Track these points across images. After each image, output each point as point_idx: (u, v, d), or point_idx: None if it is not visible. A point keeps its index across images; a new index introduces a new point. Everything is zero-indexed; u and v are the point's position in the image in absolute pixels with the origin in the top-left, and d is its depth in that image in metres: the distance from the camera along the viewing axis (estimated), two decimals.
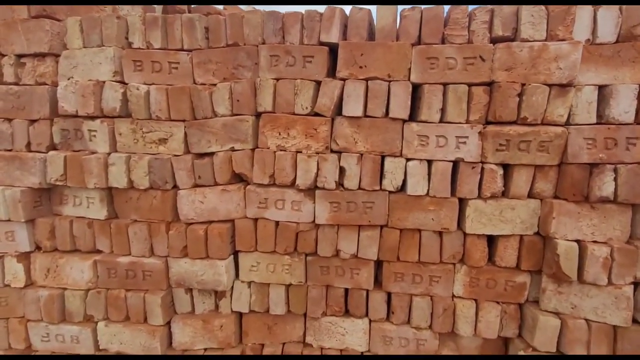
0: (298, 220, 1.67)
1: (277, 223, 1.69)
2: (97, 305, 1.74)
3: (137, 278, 1.72)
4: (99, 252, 1.79)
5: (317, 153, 1.61)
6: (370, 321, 1.76)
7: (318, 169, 1.60)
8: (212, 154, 1.71)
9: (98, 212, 1.73)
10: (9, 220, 1.70)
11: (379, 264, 1.73)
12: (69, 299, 1.74)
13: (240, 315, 1.83)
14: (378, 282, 1.75)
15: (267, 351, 1.78)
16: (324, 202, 1.62)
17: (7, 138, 1.74)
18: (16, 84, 1.76)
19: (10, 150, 1.74)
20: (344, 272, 1.72)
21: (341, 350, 1.78)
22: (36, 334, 1.76)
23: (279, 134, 1.63)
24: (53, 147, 1.75)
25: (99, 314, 1.75)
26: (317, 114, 1.63)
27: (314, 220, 1.67)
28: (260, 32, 1.66)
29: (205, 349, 1.79)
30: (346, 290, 1.77)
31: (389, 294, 1.75)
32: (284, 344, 1.83)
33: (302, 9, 1.62)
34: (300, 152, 1.63)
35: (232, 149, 1.68)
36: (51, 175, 1.69)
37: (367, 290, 1.74)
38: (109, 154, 1.69)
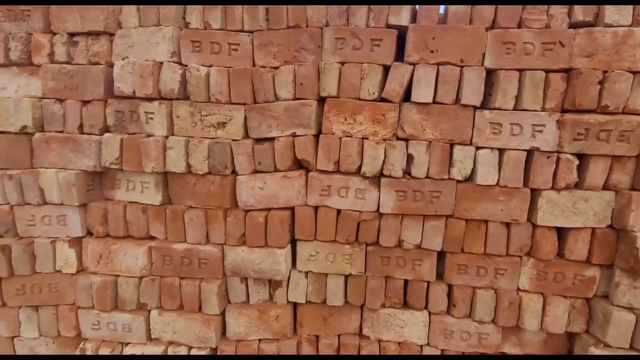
0: (361, 209, 1.66)
1: (338, 211, 1.69)
2: (151, 293, 1.74)
3: (193, 266, 1.72)
4: (152, 238, 1.78)
5: (384, 140, 1.60)
6: (430, 314, 1.75)
7: (385, 156, 1.59)
8: (272, 139, 1.69)
9: (153, 197, 1.72)
10: (61, 204, 1.69)
11: (441, 255, 1.72)
12: (121, 286, 1.73)
13: (294, 305, 1.81)
14: (439, 274, 1.74)
15: (322, 343, 1.78)
16: (390, 191, 1.61)
17: (58, 119, 1.72)
18: (68, 63, 1.73)
19: (61, 132, 1.72)
20: (405, 263, 1.72)
21: (399, 343, 1.77)
22: (87, 322, 1.75)
23: (345, 120, 1.61)
24: (106, 129, 1.73)
25: (152, 302, 1.74)
26: (383, 100, 1.61)
27: (377, 209, 1.66)
28: (324, 13, 1.64)
29: (260, 340, 1.78)
30: (406, 281, 1.76)
31: (450, 287, 1.74)
32: (339, 335, 1.82)
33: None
34: (367, 138, 1.61)
35: (294, 135, 1.67)
36: (106, 158, 1.67)
37: (428, 282, 1.73)
38: (166, 137, 1.67)
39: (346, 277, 1.77)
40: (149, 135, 1.70)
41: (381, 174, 1.64)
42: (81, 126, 1.73)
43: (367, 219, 1.67)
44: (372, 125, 1.61)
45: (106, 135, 1.68)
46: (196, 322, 1.74)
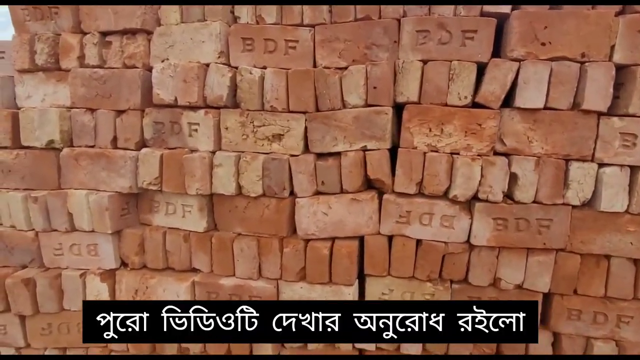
0: (448, 240, 1.36)
1: (418, 242, 1.39)
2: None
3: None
4: (195, 271, 1.52)
5: (480, 155, 1.29)
6: None
7: (482, 175, 1.28)
8: (337, 154, 1.41)
9: (196, 223, 1.46)
10: (92, 232, 1.45)
11: (546, 297, 1.39)
12: None
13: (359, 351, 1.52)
14: (542, 319, 1.41)
15: None
16: (486, 219, 1.30)
17: (89, 132, 1.49)
18: (100, 67, 1.50)
19: (92, 147, 1.48)
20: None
21: None
22: None
23: (430, 131, 1.32)
24: (143, 143, 1.49)
25: (195, 345, 1.48)
26: (476, 105, 1.30)
27: (467, 240, 1.35)
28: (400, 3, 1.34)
29: None
30: None
31: (556, 336, 1.41)
32: None
33: None
34: (457, 153, 1.31)
35: (364, 149, 1.38)
36: (144, 177, 1.43)
37: None
38: (212, 152, 1.41)
39: None
40: (193, 151, 1.44)
41: (475, 198, 1.33)
42: (115, 140, 1.50)
43: (455, 252, 1.37)
44: (464, 138, 1.31)
45: (144, 150, 1.44)
46: None
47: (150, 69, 1.49)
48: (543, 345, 1.42)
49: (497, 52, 1.34)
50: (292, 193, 1.44)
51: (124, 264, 1.55)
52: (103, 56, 1.52)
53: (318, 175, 1.41)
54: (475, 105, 1.33)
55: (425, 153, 1.33)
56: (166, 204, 1.52)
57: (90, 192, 1.46)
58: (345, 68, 1.40)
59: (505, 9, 1.29)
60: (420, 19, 1.33)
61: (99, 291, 1.49)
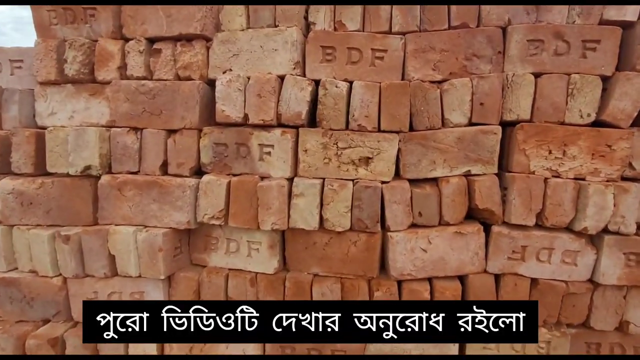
0: (568, 279, 1.17)
1: (533, 281, 1.18)
2: None
3: None
4: None
5: (610, 181, 1.12)
6: None
7: (614, 204, 1.10)
8: (433, 180, 1.21)
9: (265, 264, 1.23)
10: (138, 277, 1.18)
11: None
12: None
13: None
14: None
15: None
16: (617, 254, 1.13)
17: (132, 155, 1.24)
18: (147, 78, 1.26)
19: (135, 173, 1.23)
20: (624, 352, 1.21)
21: None
22: None
23: (550, 153, 1.14)
24: (199, 169, 1.24)
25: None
26: (598, 124, 1.14)
27: (590, 279, 1.16)
28: (506, 7, 1.18)
29: None
30: None
31: None
32: None
33: None
34: (582, 179, 1.13)
35: (468, 174, 1.18)
36: (205, 210, 1.19)
37: None
38: (288, 179, 1.18)
39: None
40: (263, 178, 1.21)
41: (603, 230, 1.15)
42: (164, 165, 1.25)
43: (577, 293, 1.18)
44: (591, 161, 1.14)
45: (206, 178, 1.20)
46: None
47: (208, 82, 1.27)
48: None
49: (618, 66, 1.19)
50: (382, 226, 1.22)
51: None
52: (150, 66, 1.28)
53: (414, 206, 1.20)
54: (596, 124, 1.16)
55: (546, 179, 1.15)
56: (227, 240, 1.27)
57: (137, 228, 1.20)
58: (441, 82, 1.22)
59: (631, 16, 1.14)
60: (533, 27, 1.17)
61: (145, 351, 1.21)
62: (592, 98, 1.14)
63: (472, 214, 1.26)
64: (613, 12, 1.16)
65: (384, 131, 1.21)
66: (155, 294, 1.22)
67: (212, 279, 1.24)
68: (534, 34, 1.17)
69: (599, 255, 1.16)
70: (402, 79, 1.25)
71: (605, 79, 1.16)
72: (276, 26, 1.25)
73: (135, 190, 1.21)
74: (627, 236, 1.15)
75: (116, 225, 1.22)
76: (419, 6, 1.22)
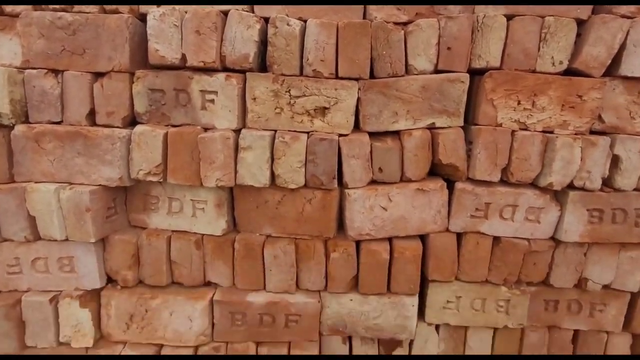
0: (531, 237, 1.12)
1: (495, 240, 1.14)
2: None
3: (277, 325, 1.15)
4: (210, 285, 1.17)
5: (577, 134, 1.06)
6: None
7: (581, 159, 1.05)
8: (393, 133, 1.11)
9: (212, 224, 1.12)
10: (65, 240, 1.04)
11: (632, 297, 1.22)
12: None
13: None
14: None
15: None
16: (581, 210, 1.09)
17: (52, 102, 1.07)
18: (65, 10, 1.07)
19: (59, 123, 1.06)
20: (580, 309, 1.21)
21: None
22: None
23: (518, 104, 1.06)
24: (133, 118, 1.09)
25: None
26: (569, 73, 1.07)
27: (552, 237, 1.13)
28: None
29: None
30: (575, 333, 1.25)
31: (636, 338, 1.25)
32: None
33: None
34: (551, 132, 1.07)
35: (432, 127, 1.09)
36: (140, 165, 1.05)
37: (607, 334, 1.23)
38: (235, 131, 1.05)
39: (495, 330, 1.24)
40: (207, 129, 1.07)
41: (568, 186, 1.10)
42: (92, 114, 1.09)
43: (539, 250, 1.14)
44: (560, 112, 1.07)
45: (140, 128, 1.05)
46: None
47: (140, 16, 1.09)
48: (621, 347, 1.25)
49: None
50: (340, 183, 1.13)
51: (111, 281, 1.16)
52: None
53: (374, 161, 1.11)
54: (567, 73, 1.08)
55: (514, 132, 1.07)
56: (168, 199, 1.14)
57: (61, 186, 1.05)
58: (406, 24, 1.09)
59: None
60: None
61: (78, 320, 1.11)
62: (566, 44, 1.05)
63: (435, 170, 1.18)
64: None
65: (342, 78, 1.08)
66: (87, 259, 1.09)
67: (152, 241, 1.12)
68: None
69: (562, 211, 1.12)
70: (364, 18, 1.11)
71: (580, 24, 1.07)
72: None
73: (56, 142, 1.05)
74: (592, 192, 1.10)
75: (36, 182, 1.06)
76: None
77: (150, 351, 1.13)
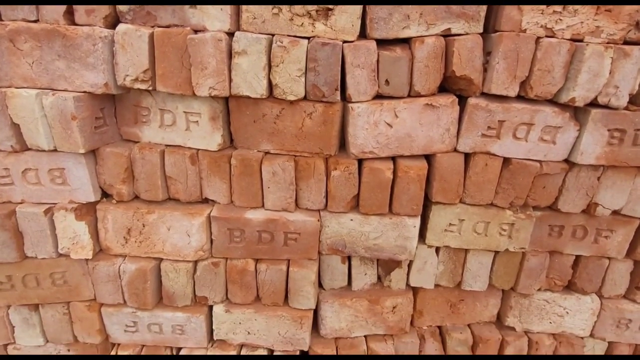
0: (544, 158, 1.05)
1: (505, 161, 1.07)
2: (213, 282, 1.17)
3: (275, 243, 1.13)
4: (206, 202, 1.13)
5: (611, 43, 0.94)
6: (601, 299, 1.27)
7: (610, 71, 0.94)
8: (405, 40, 1.00)
9: (207, 139, 1.06)
10: (54, 151, 0.99)
11: None
12: (167, 275, 1.15)
13: (412, 289, 1.28)
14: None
15: (452, 338, 1.29)
16: (601, 130, 1.01)
17: None
18: None
19: (36, 22, 0.96)
20: (585, 235, 1.18)
21: (555, 335, 1.31)
22: (117, 323, 1.19)
23: (546, 7, 0.92)
24: (116, 17, 0.97)
25: (215, 294, 1.19)
26: None
27: (566, 159, 1.06)
28: None
29: (367, 336, 1.28)
30: (576, 258, 1.24)
31: (637, 264, 1.23)
32: (469, 325, 1.33)
33: None
34: (581, 40, 0.95)
35: (447, 33, 0.98)
36: (126, 70, 0.96)
37: (609, 260, 1.22)
38: (229, 33, 0.94)
39: (495, 253, 1.22)
40: (197, 31, 0.96)
41: (591, 104, 1.01)
42: (70, 12, 0.97)
43: (551, 173, 1.08)
44: (594, 17, 0.94)
45: (122, 27, 0.94)
46: (282, 320, 1.20)
47: None
48: (621, 273, 1.24)
49: None
50: (343, 96, 1.04)
51: (106, 196, 1.13)
52: None
53: (381, 71, 1.01)
54: None
55: (539, 39, 0.95)
56: (160, 111, 1.07)
57: (42, 92, 0.97)
58: None
59: None
60: None
61: (75, 232, 1.09)
62: None
63: (445, 86, 1.08)
64: None
65: None
66: (78, 171, 1.05)
67: (145, 155, 1.07)
68: None
69: (581, 131, 1.04)
70: None
71: None
72: None
73: (33, 42, 0.95)
74: (616, 110, 1.01)
75: (16, 88, 0.98)
76: None
77: (149, 264, 1.13)
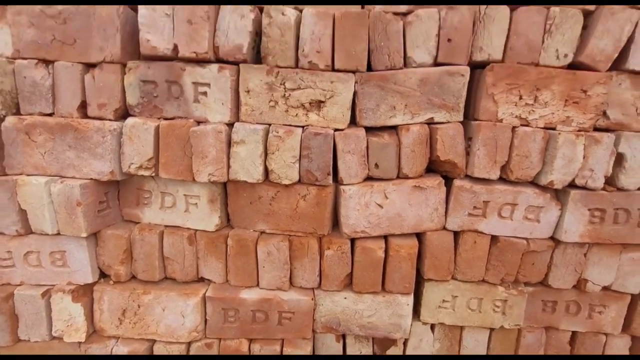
0: (530, 236, 1.09)
1: (493, 239, 1.10)
2: None
3: (270, 322, 1.13)
4: (203, 281, 1.15)
5: (580, 131, 1.02)
6: None
7: (584, 156, 1.01)
8: (392, 127, 1.08)
9: (205, 220, 1.10)
10: (57, 235, 1.03)
11: (632, 300, 1.19)
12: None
13: None
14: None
15: None
16: (581, 210, 1.05)
17: (44, 94, 1.04)
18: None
19: (50, 115, 1.04)
20: (579, 310, 1.18)
21: None
22: None
23: (520, 99, 1.02)
24: (125, 111, 1.06)
25: None
26: (573, 67, 1.02)
27: (552, 236, 1.10)
28: None
29: None
30: (573, 334, 1.23)
31: (635, 340, 1.22)
32: None
33: None
34: (552, 128, 1.03)
35: (431, 121, 1.06)
36: (132, 159, 1.02)
37: (606, 335, 1.21)
38: (228, 124, 1.02)
39: (491, 330, 1.21)
40: (199, 122, 1.04)
41: (569, 185, 1.07)
42: (83, 106, 1.06)
43: (538, 250, 1.11)
44: (563, 108, 1.03)
45: (131, 121, 1.02)
46: None
47: (134, 4, 1.06)
48: (620, 349, 1.23)
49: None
50: (335, 180, 1.10)
51: (104, 276, 1.15)
52: None
53: (370, 156, 1.08)
54: (572, 67, 1.04)
55: (514, 128, 1.03)
56: (161, 194, 1.12)
57: (52, 179, 1.03)
58: (405, 14, 1.05)
59: None
60: None
61: (70, 314, 1.09)
62: (571, 36, 1.01)
63: (432, 167, 1.14)
64: None
65: (338, 70, 1.04)
66: (79, 253, 1.08)
67: (144, 236, 1.10)
68: None
69: (563, 211, 1.08)
70: (362, 7, 1.07)
71: (586, 16, 1.02)
72: None
73: (47, 134, 1.03)
74: (594, 191, 1.06)
75: (27, 175, 1.04)
76: None
77: (142, 346, 1.12)
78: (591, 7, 1.01)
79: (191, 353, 1.14)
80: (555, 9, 1.00)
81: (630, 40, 1.00)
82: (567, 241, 1.10)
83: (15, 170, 1.06)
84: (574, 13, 1.00)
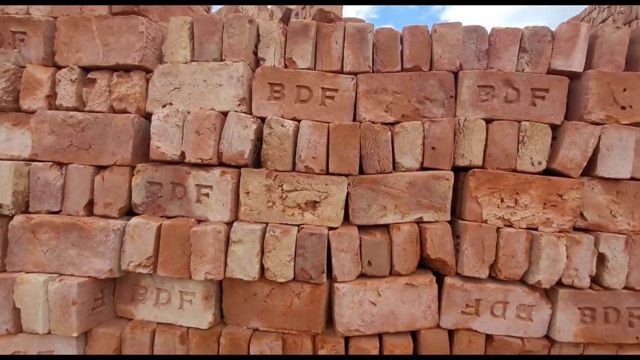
0: (524, 335, 1.09)
1: (488, 337, 1.10)
2: None
3: None
4: None
5: (560, 231, 1.07)
6: None
7: (567, 256, 1.05)
8: (384, 226, 1.14)
9: (199, 317, 1.10)
10: (48, 334, 1.01)
11: None
12: None
13: None
14: None
15: None
16: (572, 308, 1.07)
17: (54, 193, 1.11)
18: (77, 109, 1.15)
19: (58, 213, 1.09)
20: None
21: None
22: None
23: (502, 201, 1.09)
24: (129, 209, 1.12)
25: None
26: (548, 173, 1.11)
27: (546, 335, 1.10)
28: (457, 53, 1.16)
29: None
30: None
31: None
32: None
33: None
34: (534, 229, 1.09)
35: (420, 221, 1.12)
36: (131, 257, 1.05)
37: None
38: (227, 223, 1.08)
39: None
40: (200, 221, 1.10)
41: (557, 283, 1.10)
42: (90, 204, 1.12)
43: (534, 350, 1.10)
44: (542, 211, 1.10)
45: (135, 220, 1.07)
46: None
47: (146, 116, 1.17)
48: None
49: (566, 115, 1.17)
50: (329, 276, 1.12)
51: None
52: (83, 97, 1.17)
53: (363, 254, 1.12)
54: (547, 172, 1.13)
55: (499, 228, 1.09)
56: (157, 290, 1.13)
57: (50, 277, 1.05)
58: (393, 124, 1.17)
59: (577, 67, 1.14)
60: (483, 73, 1.15)
61: None
62: (542, 146, 1.12)
63: (424, 263, 1.18)
64: (560, 62, 1.15)
65: (332, 174, 1.13)
66: (67, 353, 1.05)
67: (136, 335, 1.09)
68: (485, 80, 1.15)
69: (554, 309, 1.10)
70: (354, 119, 1.19)
71: (554, 128, 1.14)
72: (222, 60, 1.17)
73: (52, 233, 1.07)
74: (582, 290, 1.09)
75: (27, 272, 1.06)
76: (371, 46, 1.18)
77: None
78: (557, 122, 1.13)
79: None
80: (525, 123, 1.12)
81: (595, 151, 1.10)
82: (562, 341, 1.10)
83: (16, 268, 1.08)
84: (543, 127, 1.11)
